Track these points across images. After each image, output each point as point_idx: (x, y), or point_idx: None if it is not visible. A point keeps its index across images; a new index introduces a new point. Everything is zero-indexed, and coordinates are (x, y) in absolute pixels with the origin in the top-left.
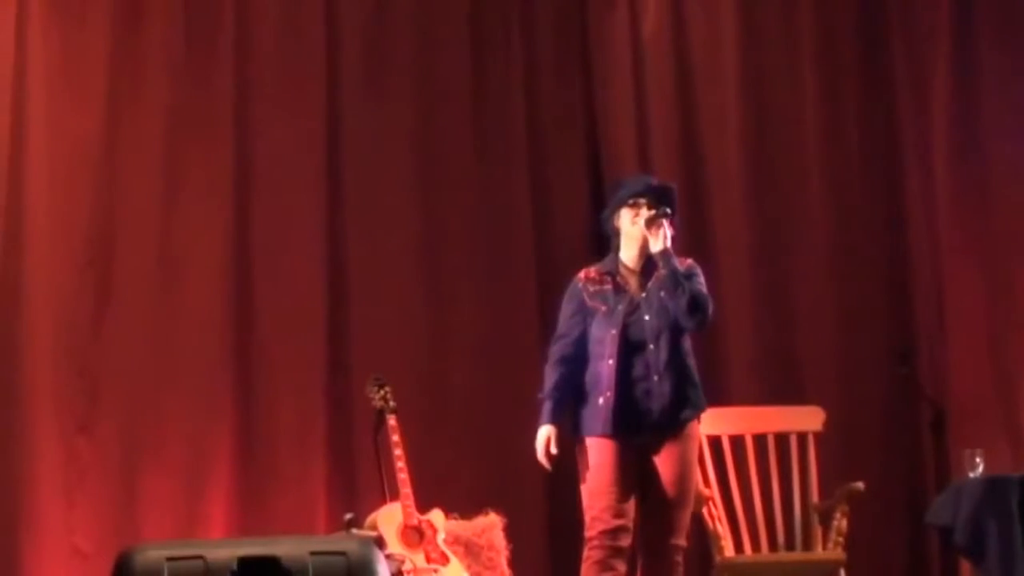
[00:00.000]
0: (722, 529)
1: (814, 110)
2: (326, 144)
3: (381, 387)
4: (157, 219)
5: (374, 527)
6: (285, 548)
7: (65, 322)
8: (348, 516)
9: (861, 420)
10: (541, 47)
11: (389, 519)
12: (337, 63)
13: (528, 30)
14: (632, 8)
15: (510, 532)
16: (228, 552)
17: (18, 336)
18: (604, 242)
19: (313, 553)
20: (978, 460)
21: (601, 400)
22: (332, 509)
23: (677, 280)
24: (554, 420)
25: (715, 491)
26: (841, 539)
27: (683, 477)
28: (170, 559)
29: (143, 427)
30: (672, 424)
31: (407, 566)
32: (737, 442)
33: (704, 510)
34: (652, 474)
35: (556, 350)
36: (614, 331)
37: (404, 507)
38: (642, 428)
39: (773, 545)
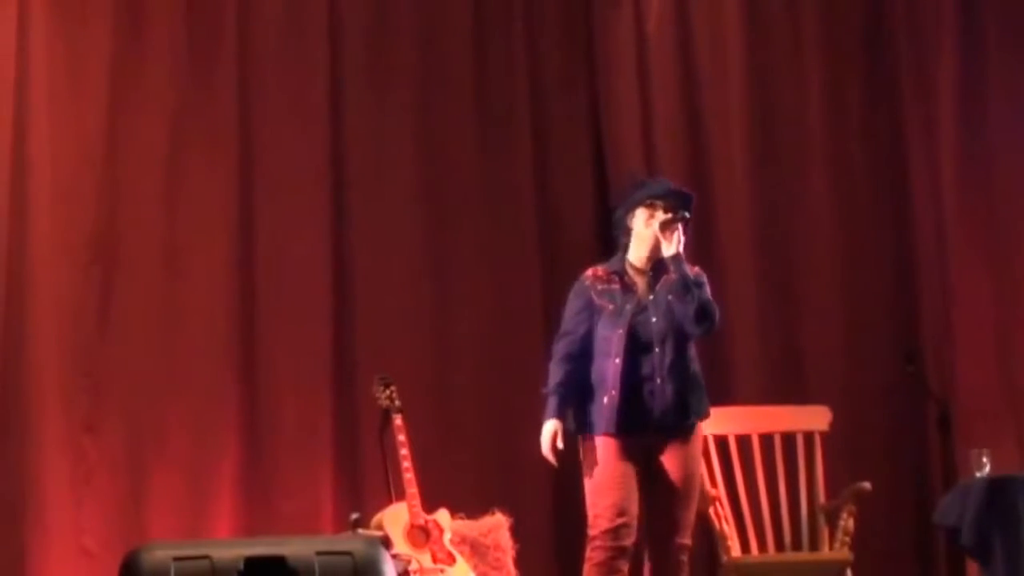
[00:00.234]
0: (728, 529)
1: (819, 107)
2: (330, 144)
3: (387, 387)
4: (161, 219)
5: (380, 527)
6: (291, 548)
7: (70, 322)
8: (354, 516)
9: (868, 420)
10: (545, 45)
11: (395, 519)
12: (340, 62)
13: (532, 28)
14: (636, 5)
15: (516, 532)
16: (234, 552)
17: (23, 336)
18: (610, 241)
19: (319, 553)
20: (985, 460)
21: (606, 399)
22: (338, 509)
23: (688, 286)
24: (559, 415)
25: (721, 491)
26: (848, 539)
27: (687, 476)
28: (177, 559)
29: (149, 427)
30: (675, 427)
31: (413, 566)
32: (743, 442)
33: (711, 510)
34: (656, 474)
35: (561, 347)
36: (621, 330)
37: (410, 507)
38: (646, 428)
39: (780, 545)
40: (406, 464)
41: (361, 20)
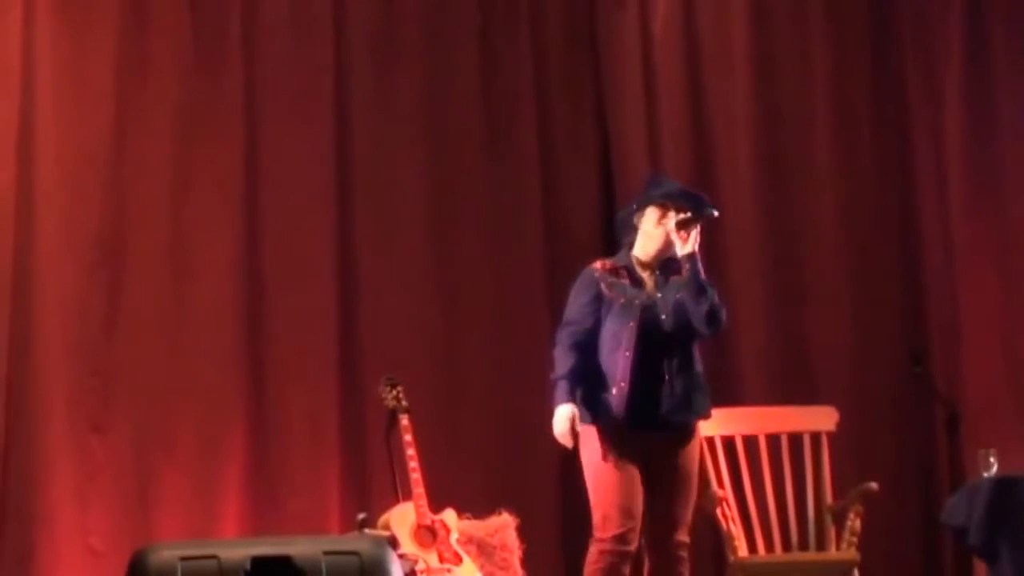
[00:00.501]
0: (735, 529)
1: (825, 108)
2: (335, 144)
3: (393, 387)
4: (167, 219)
5: (387, 527)
6: (298, 548)
7: (77, 322)
8: (361, 516)
9: (875, 420)
10: (551, 46)
11: (402, 519)
12: (346, 62)
13: (538, 29)
14: (642, 6)
15: (523, 532)
16: (241, 552)
17: (31, 336)
18: (614, 242)
19: (326, 553)
20: (992, 460)
21: (615, 391)
22: (345, 509)
23: (701, 287)
24: (574, 399)
25: (729, 491)
26: (855, 539)
27: (688, 474)
28: (184, 559)
29: (156, 427)
30: (679, 424)
31: (420, 566)
32: (750, 442)
33: (717, 510)
34: (657, 471)
35: (567, 335)
36: (632, 323)
37: (417, 507)
38: (651, 424)
39: (787, 545)
40: (413, 464)
41: (367, 21)
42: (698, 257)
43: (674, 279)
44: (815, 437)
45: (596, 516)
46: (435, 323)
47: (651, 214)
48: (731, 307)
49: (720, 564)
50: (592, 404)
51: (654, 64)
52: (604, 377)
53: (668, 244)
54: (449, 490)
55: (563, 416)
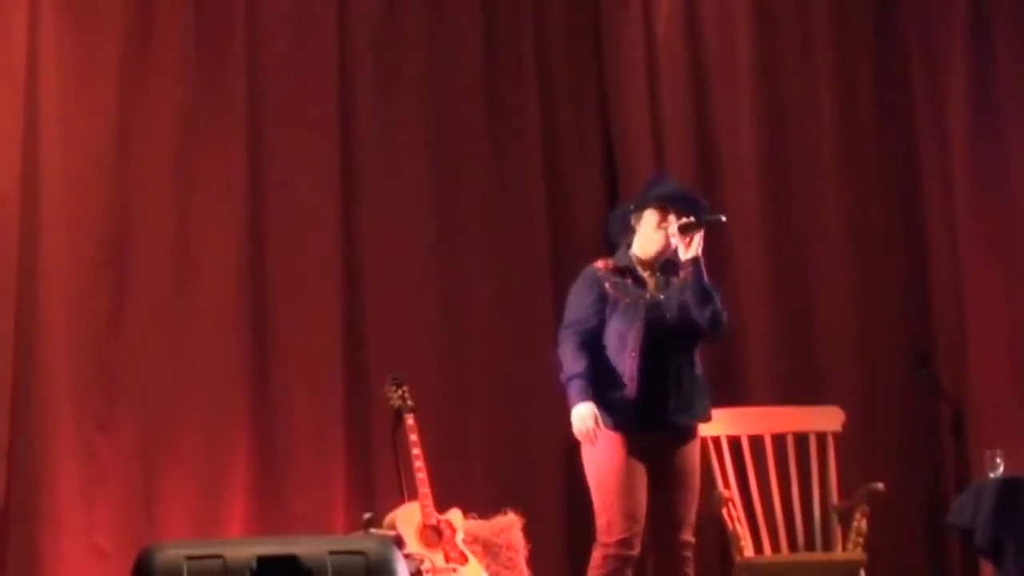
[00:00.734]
0: (742, 529)
1: (829, 109)
2: (340, 146)
3: (399, 386)
4: (171, 219)
5: (393, 526)
6: (304, 547)
7: (82, 322)
8: (367, 516)
9: (881, 420)
10: (555, 47)
11: (408, 518)
12: (349, 66)
13: (541, 30)
14: (645, 6)
15: (529, 531)
16: (247, 551)
17: (36, 336)
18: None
19: (332, 552)
20: (998, 460)
21: (622, 393)
22: (350, 508)
23: (708, 292)
24: (590, 398)
25: (735, 491)
26: (861, 540)
27: (691, 475)
28: (190, 558)
29: (162, 426)
30: (683, 425)
31: (426, 566)
32: (756, 442)
33: (723, 510)
34: (661, 472)
35: (573, 335)
36: (639, 323)
37: (423, 506)
38: (657, 425)
39: (793, 546)
40: (418, 464)
41: (370, 22)
42: (702, 262)
43: (675, 280)
44: (821, 437)
45: (601, 520)
46: (440, 323)
47: (650, 216)
48: (736, 307)
49: (726, 564)
50: (598, 405)
51: (658, 64)
52: (610, 378)
53: (668, 247)
54: (455, 490)
55: (586, 414)
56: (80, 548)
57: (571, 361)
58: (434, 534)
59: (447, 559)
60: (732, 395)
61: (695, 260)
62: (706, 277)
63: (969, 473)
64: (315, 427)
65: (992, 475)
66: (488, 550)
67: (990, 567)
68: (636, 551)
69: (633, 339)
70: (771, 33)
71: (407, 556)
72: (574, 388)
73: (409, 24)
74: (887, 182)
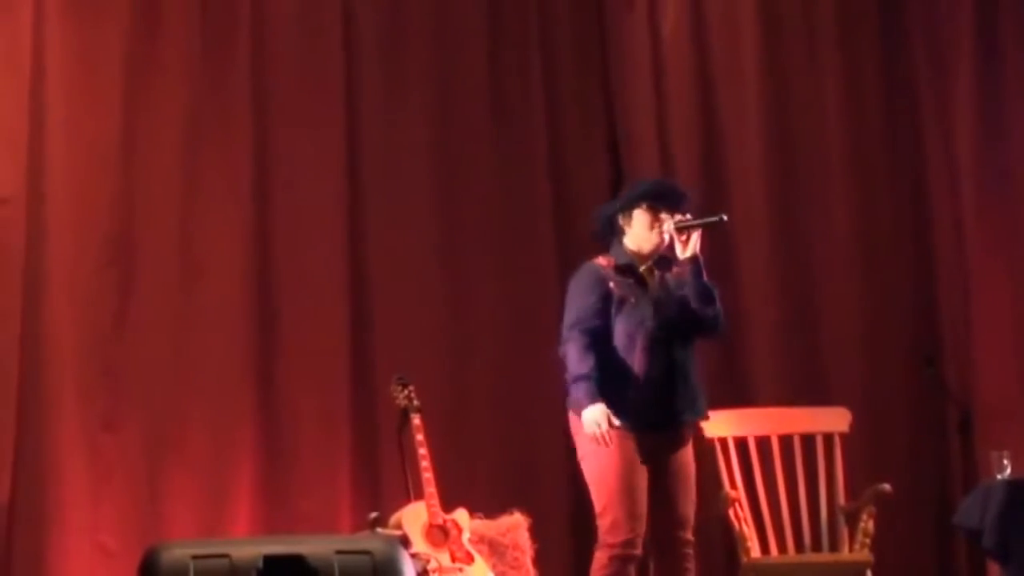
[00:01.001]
0: (748, 530)
1: (836, 108)
2: (345, 146)
3: (405, 386)
4: (177, 219)
5: (399, 526)
6: (311, 547)
7: (88, 322)
8: (373, 515)
9: (888, 421)
10: (560, 47)
11: (414, 518)
12: (355, 66)
13: (547, 30)
14: (651, 7)
15: (535, 531)
16: (254, 550)
17: (42, 336)
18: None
19: (339, 552)
20: (1006, 462)
21: (630, 393)
22: (356, 508)
23: (709, 290)
24: (599, 399)
25: (741, 492)
26: (868, 541)
27: (692, 473)
28: (196, 557)
29: (167, 426)
30: (687, 424)
31: (432, 565)
32: (763, 443)
33: (730, 511)
34: (663, 471)
35: (579, 335)
36: (647, 323)
37: (429, 506)
38: (664, 424)
39: (800, 546)
40: (424, 463)
41: (375, 23)
42: (700, 261)
43: (670, 275)
44: (828, 438)
45: (604, 521)
46: (446, 323)
47: (641, 216)
48: (743, 307)
49: (733, 565)
50: (607, 406)
51: (663, 65)
52: (618, 378)
53: (663, 244)
54: (461, 489)
55: (600, 416)
56: (86, 547)
57: (577, 362)
58: (440, 534)
59: (453, 559)
60: (739, 396)
61: (694, 259)
62: (705, 276)
63: (976, 474)
64: (321, 427)
65: (999, 476)
66: (494, 550)
67: (997, 569)
68: (639, 551)
69: (642, 339)
70: (777, 34)
71: (413, 556)
72: (582, 390)
73: (414, 25)
74: (894, 182)
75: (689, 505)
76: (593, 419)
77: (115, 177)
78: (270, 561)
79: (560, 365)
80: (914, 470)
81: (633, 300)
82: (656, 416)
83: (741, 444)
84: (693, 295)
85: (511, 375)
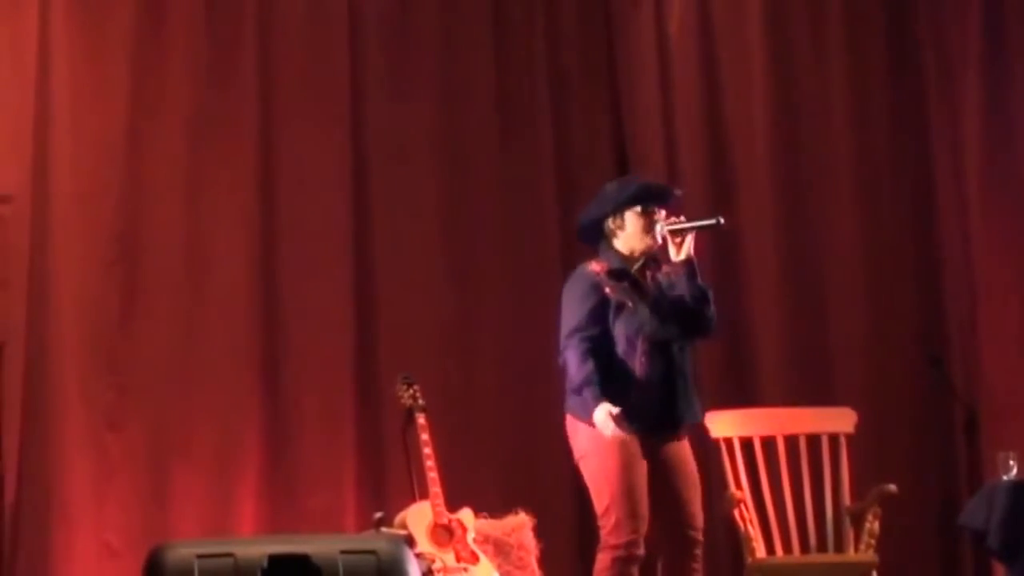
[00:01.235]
0: (753, 530)
1: (843, 106)
2: (351, 144)
3: (410, 386)
4: (182, 218)
5: (404, 526)
6: (315, 546)
7: (93, 320)
8: (378, 515)
9: (893, 422)
10: (566, 46)
11: (419, 518)
12: (361, 64)
13: (553, 29)
14: (657, 6)
15: (540, 531)
16: (258, 550)
17: (47, 334)
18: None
19: (343, 552)
20: (1012, 462)
21: (635, 396)
22: (361, 508)
23: (704, 292)
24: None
25: (747, 492)
26: (873, 541)
27: (694, 472)
28: (200, 556)
29: (173, 425)
30: (687, 425)
31: (437, 565)
32: (768, 443)
33: (735, 511)
34: (666, 471)
35: (579, 342)
36: (646, 326)
37: (434, 506)
38: (665, 425)
39: (805, 547)
40: (429, 463)
41: (381, 21)
42: (695, 263)
43: (661, 275)
44: (833, 438)
45: (607, 522)
46: (451, 321)
47: (634, 219)
48: (748, 308)
49: (738, 565)
50: None
51: (670, 64)
52: (620, 382)
53: (655, 246)
54: (466, 489)
55: (609, 412)
56: (91, 545)
57: (579, 369)
58: (445, 533)
59: (458, 559)
60: (744, 396)
61: (688, 261)
62: (699, 278)
63: (982, 475)
64: (326, 426)
65: (1005, 477)
66: (499, 550)
67: (1003, 569)
68: (642, 551)
69: (643, 343)
70: (783, 34)
71: (418, 555)
72: (588, 395)
73: (420, 23)
74: (900, 183)
75: (697, 504)
76: (603, 421)
77: (121, 175)
78: (275, 560)
79: (560, 372)
80: (919, 471)
81: (631, 305)
82: (658, 419)
83: (746, 444)
84: (690, 298)
85: (516, 374)
